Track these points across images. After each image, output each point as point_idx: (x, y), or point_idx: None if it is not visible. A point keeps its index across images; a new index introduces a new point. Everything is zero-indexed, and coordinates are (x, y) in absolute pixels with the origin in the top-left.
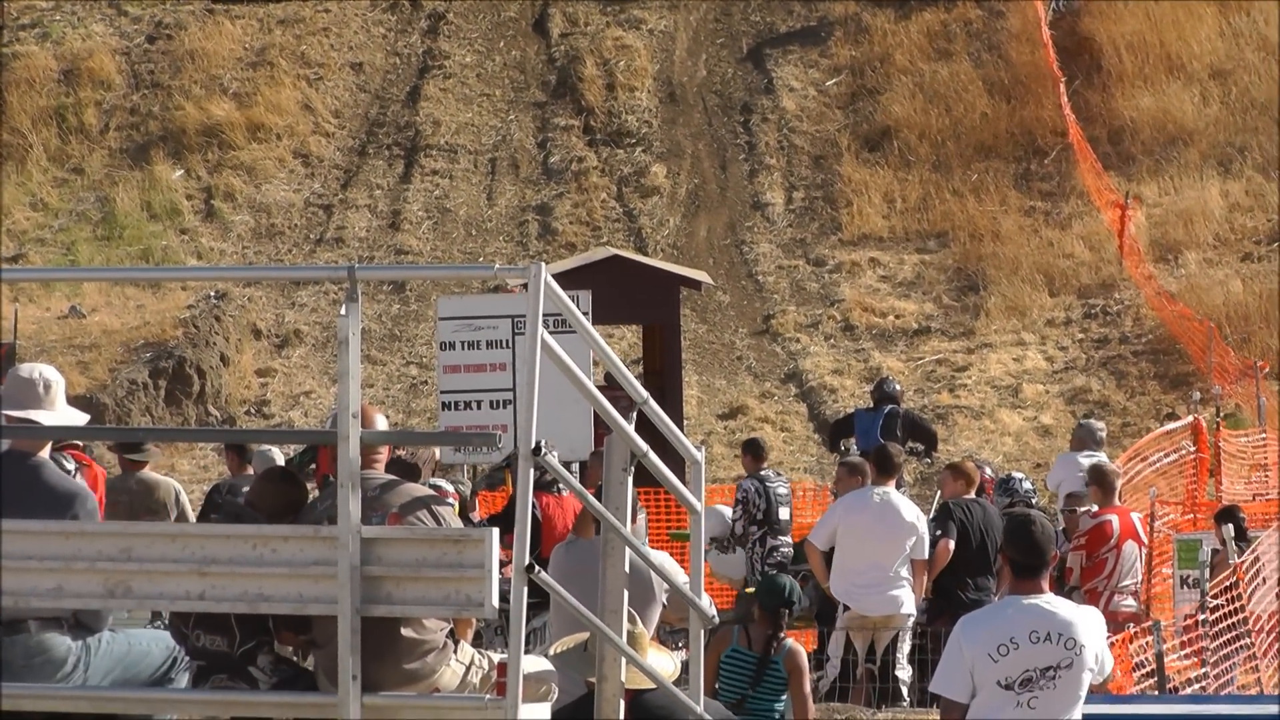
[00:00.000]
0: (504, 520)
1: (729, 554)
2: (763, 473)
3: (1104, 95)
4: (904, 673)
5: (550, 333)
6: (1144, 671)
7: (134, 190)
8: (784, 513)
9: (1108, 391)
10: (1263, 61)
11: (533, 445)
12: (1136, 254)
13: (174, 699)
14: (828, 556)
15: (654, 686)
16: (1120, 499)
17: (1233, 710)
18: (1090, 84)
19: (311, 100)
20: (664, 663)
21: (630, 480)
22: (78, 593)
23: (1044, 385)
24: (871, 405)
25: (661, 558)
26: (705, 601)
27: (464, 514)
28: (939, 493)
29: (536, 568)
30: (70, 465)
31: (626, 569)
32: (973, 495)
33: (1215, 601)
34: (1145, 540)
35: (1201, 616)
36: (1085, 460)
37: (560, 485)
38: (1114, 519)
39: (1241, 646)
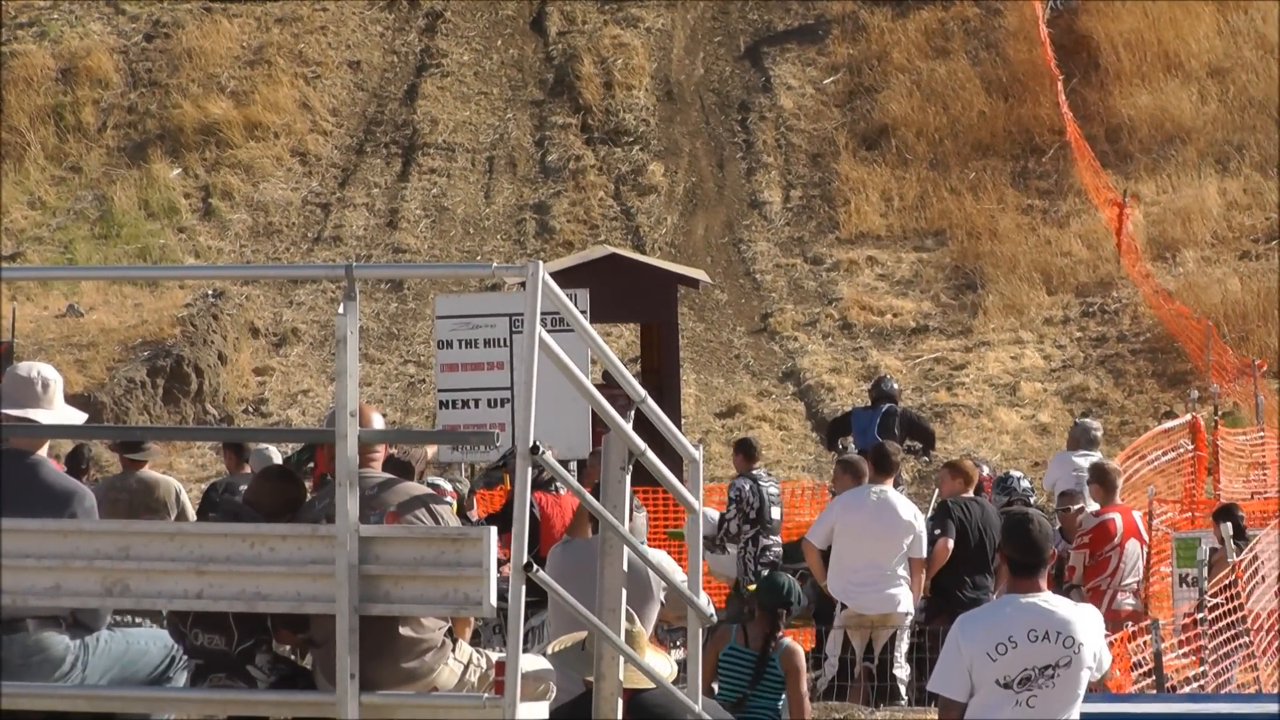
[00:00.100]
0: (502, 519)
1: (719, 554)
2: (754, 472)
3: (1102, 93)
4: (902, 671)
5: (548, 331)
6: (1142, 670)
7: (132, 189)
8: (775, 512)
9: (1105, 390)
10: (1261, 60)
11: (531, 444)
12: (1134, 252)
13: (172, 698)
14: (825, 555)
15: (652, 685)
16: (1119, 498)
17: (1231, 709)
18: (1088, 82)
19: (309, 99)
20: (661, 664)
21: (628, 479)
22: (76, 591)
23: (1042, 383)
24: (869, 404)
25: (659, 556)
26: (703, 600)
27: (462, 513)
28: (937, 491)
29: (535, 566)
30: None
31: (625, 568)
32: (971, 494)
33: (1214, 600)
34: (1146, 538)
35: (1200, 615)
36: (1080, 460)
37: (558, 484)
38: (1117, 517)
39: (1240, 645)
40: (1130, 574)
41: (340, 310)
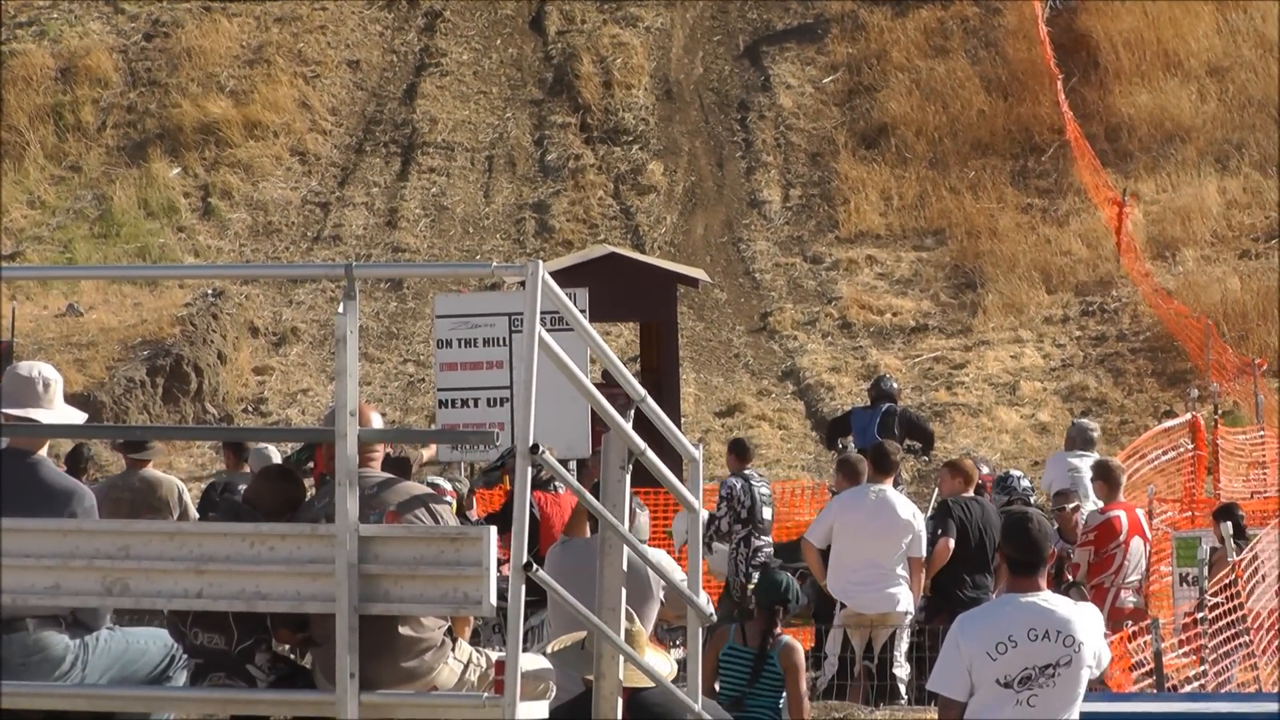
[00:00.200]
0: (502, 519)
1: (706, 553)
2: (746, 472)
3: (1101, 92)
4: (901, 670)
5: (548, 330)
6: (1143, 670)
7: (131, 188)
8: (767, 512)
9: (1105, 389)
10: (1260, 58)
11: (530, 444)
12: (1134, 251)
13: (172, 697)
14: (825, 555)
15: (652, 685)
16: (1122, 496)
17: (1231, 708)
18: (1087, 81)
19: (308, 98)
20: (661, 664)
21: (628, 478)
22: (75, 591)
23: (1041, 383)
24: (869, 403)
25: (659, 555)
26: (703, 599)
27: (461, 512)
28: (936, 490)
29: (535, 566)
30: None
31: (624, 567)
32: (971, 493)
33: (1214, 599)
34: (1149, 536)
35: (1200, 614)
36: (1075, 460)
37: (557, 483)
38: (1122, 514)
39: (1240, 644)
40: (1134, 572)
41: (340, 309)
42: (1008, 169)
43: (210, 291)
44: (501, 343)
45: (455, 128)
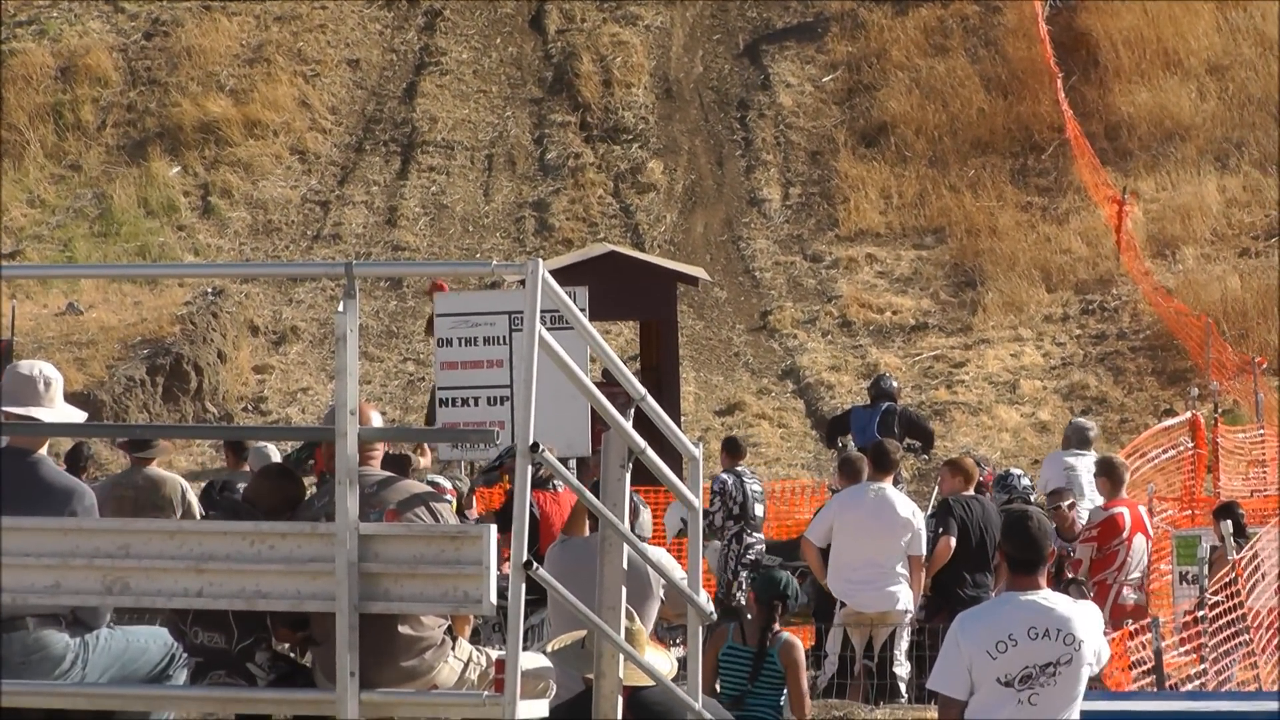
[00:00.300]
0: (501, 518)
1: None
2: (738, 469)
3: (1101, 91)
4: (902, 669)
5: (548, 329)
6: (1143, 669)
7: (131, 187)
8: (759, 509)
9: (1105, 387)
10: (1260, 57)
11: (530, 442)
12: (1134, 250)
13: (172, 696)
14: (826, 553)
15: (652, 683)
16: (1125, 493)
17: (1231, 707)
18: (1087, 79)
19: (308, 97)
20: (661, 662)
21: (628, 477)
22: (76, 589)
23: (1041, 381)
24: (869, 402)
25: (659, 554)
26: (703, 598)
27: (461, 511)
28: (936, 489)
29: (535, 564)
30: None
31: (625, 566)
32: (971, 492)
33: (1214, 598)
34: (1152, 533)
35: (1200, 613)
36: (1071, 459)
37: (556, 482)
38: (1125, 511)
39: (1240, 643)
40: (1136, 568)
41: (340, 308)
42: (1007, 167)
43: (210, 290)
44: (502, 341)
45: (455, 126)
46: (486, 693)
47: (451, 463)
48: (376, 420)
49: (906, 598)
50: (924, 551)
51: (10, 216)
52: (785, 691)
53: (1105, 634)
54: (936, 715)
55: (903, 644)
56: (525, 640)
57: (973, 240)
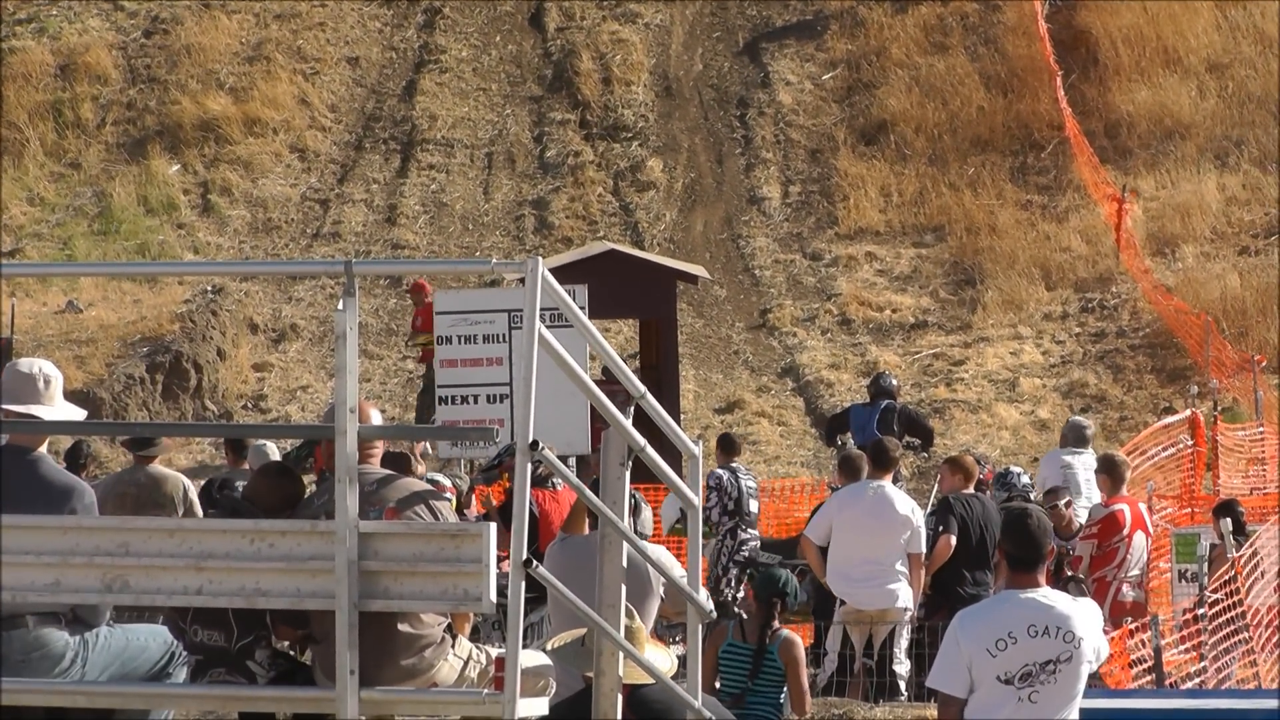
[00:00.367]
0: (501, 515)
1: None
2: (733, 465)
3: (1100, 89)
4: (901, 667)
5: (547, 327)
6: (1143, 666)
7: (130, 185)
8: (753, 505)
9: (1105, 386)
10: (1260, 55)
11: (530, 440)
12: (1133, 248)
13: (172, 694)
14: (825, 551)
15: (652, 681)
16: (1125, 491)
17: (1231, 705)
18: (1087, 78)
19: (308, 95)
20: (661, 660)
21: (627, 474)
22: (75, 588)
23: (1041, 379)
24: (868, 400)
25: (659, 552)
26: (703, 596)
27: (460, 509)
28: (936, 487)
29: (534, 562)
30: None
31: (624, 564)
32: (971, 490)
33: (1213, 596)
34: (1152, 530)
35: (1200, 611)
36: (1068, 458)
37: (555, 480)
38: (1125, 508)
39: (1240, 641)
40: (1135, 566)
41: (339, 306)
42: (1007, 165)
43: (210, 288)
44: (501, 339)
45: (455, 124)
46: (486, 690)
47: (451, 460)
48: (376, 418)
49: (906, 596)
50: (924, 549)
51: (10, 214)
52: (785, 689)
53: (1105, 631)
54: (936, 713)
55: (902, 642)
56: (525, 638)
57: (972, 238)
